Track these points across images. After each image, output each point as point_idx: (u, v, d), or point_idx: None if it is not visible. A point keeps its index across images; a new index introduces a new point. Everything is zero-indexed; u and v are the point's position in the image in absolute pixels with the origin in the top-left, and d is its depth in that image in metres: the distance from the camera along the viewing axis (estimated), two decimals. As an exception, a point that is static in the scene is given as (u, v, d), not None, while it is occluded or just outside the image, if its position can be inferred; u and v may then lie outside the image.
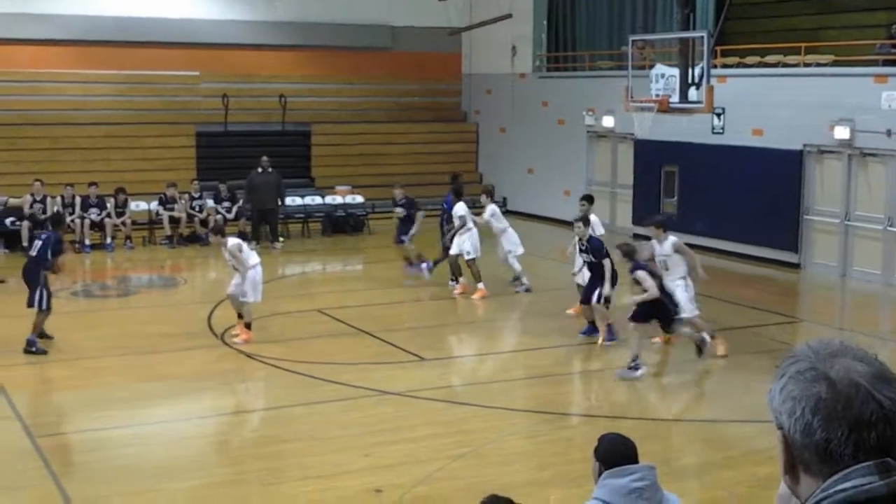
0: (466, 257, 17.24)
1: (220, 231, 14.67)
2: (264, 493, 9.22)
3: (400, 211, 19.65)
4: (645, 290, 12.63)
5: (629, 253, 13.08)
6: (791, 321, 16.18)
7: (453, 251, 17.43)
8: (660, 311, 12.75)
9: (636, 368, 12.51)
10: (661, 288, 12.75)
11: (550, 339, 14.98)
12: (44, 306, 13.83)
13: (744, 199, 20.36)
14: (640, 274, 12.70)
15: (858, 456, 1.82)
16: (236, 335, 14.29)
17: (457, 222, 17.41)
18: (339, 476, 9.50)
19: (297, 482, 9.40)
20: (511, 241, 17.54)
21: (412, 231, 19.23)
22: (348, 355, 13.73)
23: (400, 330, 15.04)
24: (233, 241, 14.21)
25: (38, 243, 14.22)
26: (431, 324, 15.66)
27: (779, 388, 1.91)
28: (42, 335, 13.93)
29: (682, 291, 13.33)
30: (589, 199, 16.37)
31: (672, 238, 13.68)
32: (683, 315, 13.20)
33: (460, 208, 17.55)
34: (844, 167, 19.05)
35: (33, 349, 13.63)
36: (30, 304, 13.79)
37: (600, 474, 5.38)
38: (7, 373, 12.86)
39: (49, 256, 13.89)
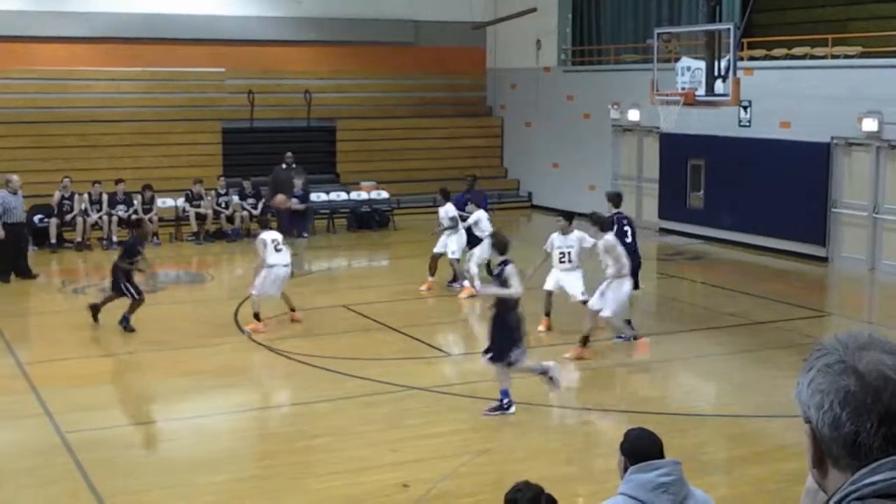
0: (451, 256, 17.25)
1: (260, 223, 16.49)
2: (293, 488, 9.26)
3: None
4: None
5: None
6: (819, 315, 16.08)
7: (437, 249, 17.42)
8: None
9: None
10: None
11: (571, 335, 14.94)
12: (135, 296, 14.79)
13: (771, 193, 20.24)
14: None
15: (888, 449, 1.81)
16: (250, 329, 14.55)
17: (446, 222, 17.32)
18: (366, 471, 9.52)
19: (325, 477, 9.43)
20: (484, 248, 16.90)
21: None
22: (374, 351, 13.76)
23: (425, 325, 15.06)
24: (261, 236, 14.60)
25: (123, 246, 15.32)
26: (457, 319, 15.67)
27: (807, 382, 1.90)
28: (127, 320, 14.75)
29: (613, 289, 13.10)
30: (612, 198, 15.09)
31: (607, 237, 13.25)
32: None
33: (450, 209, 17.40)
34: (873, 159, 18.90)
35: (123, 324, 14.69)
36: (119, 294, 14.96)
37: (626, 469, 5.36)
38: (36, 370, 12.98)
39: (128, 257, 14.97)
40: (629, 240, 14.10)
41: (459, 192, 19.15)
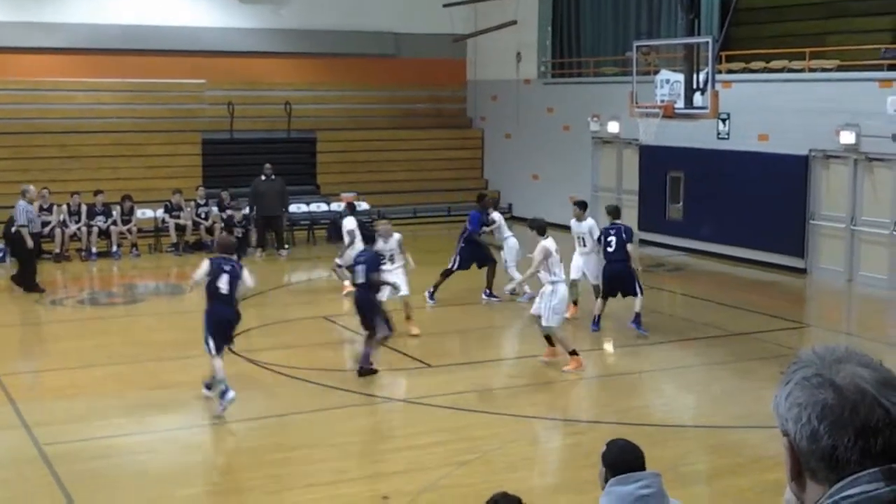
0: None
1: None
2: (271, 500, 9.22)
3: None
4: None
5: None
6: (797, 327, 16.16)
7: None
8: None
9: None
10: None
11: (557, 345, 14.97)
12: None
13: (749, 205, 20.34)
14: None
15: (865, 462, 1.81)
16: None
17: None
18: (345, 483, 9.49)
19: (303, 489, 9.40)
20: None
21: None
22: (354, 363, 13.72)
23: (406, 337, 15.03)
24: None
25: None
26: (437, 331, 15.65)
27: (784, 395, 1.91)
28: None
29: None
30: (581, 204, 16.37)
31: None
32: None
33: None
34: (850, 172, 19.03)
35: None
36: None
37: (607, 481, 5.37)
38: (13, 381, 12.89)
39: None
40: (611, 249, 14.86)
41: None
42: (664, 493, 5.28)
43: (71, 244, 21.95)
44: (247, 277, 11.86)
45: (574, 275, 15.63)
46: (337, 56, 27.80)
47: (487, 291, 17.52)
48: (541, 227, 13.50)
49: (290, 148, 26.88)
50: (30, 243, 18.52)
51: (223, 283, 11.66)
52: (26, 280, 18.41)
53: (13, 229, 18.88)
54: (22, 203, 18.86)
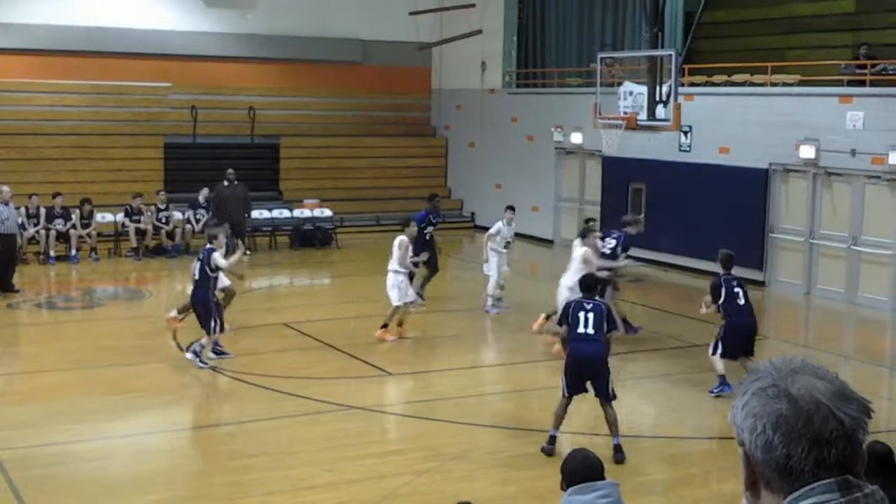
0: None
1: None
2: (228, 508, 9.15)
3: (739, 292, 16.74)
4: None
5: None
6: (756, 338, 16.26)
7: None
8: None
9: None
10: None
11: (516, 355, 15.02)
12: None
13: (710, 217, 20.51)
14: None
15: (818, 473, 1.83)
16: None
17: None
18: (303, 491, 9.45)
19: (262, 497, 9.34)
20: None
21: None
22: (314, 370, 13.68)
23: (367, 344, 15.00)
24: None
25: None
26: (398, 338, 15.61)
27: (741, 405, 1.92)
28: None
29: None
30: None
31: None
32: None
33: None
34: (809, 186, 19.25)
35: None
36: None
37: (566, 490, 5.39)
38: (-32, 385, 12.71)
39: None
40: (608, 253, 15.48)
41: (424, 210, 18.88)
42: (622, 503, 5.31)
43: (29, 247, 21.69)
44: (215, 258, 13.39)
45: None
46: (302, 62, 27.75)
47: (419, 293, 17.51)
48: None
49: (253, 153, 26.79)
50: None
51: (194, 269, 13.72)
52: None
53: None
54: None
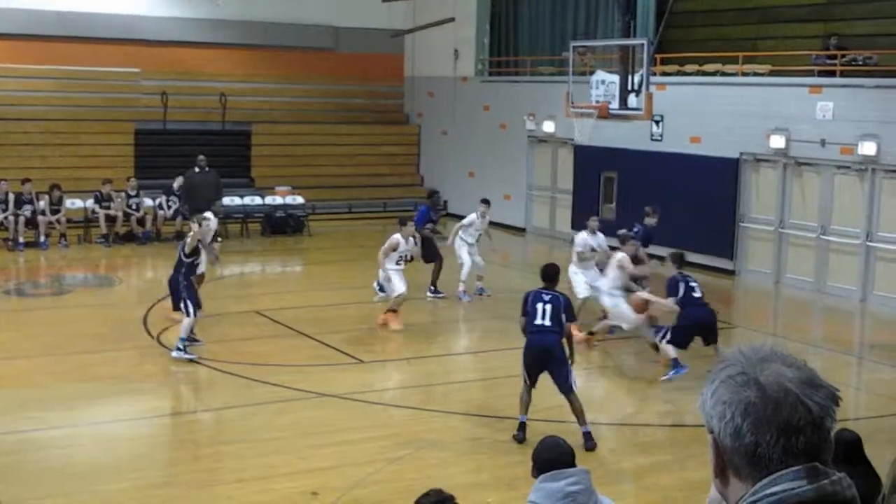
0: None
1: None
2: (199, 496, 9.14)
3: (696, 286, 16.12)
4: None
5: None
6: (725, 327, 16.35)
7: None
8: None
9: None
10: None
11: (488, 342, 15.05)
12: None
13: (681, 206, 20.57)
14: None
15: (787, 460, 1.85)
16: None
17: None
18: (274, 478, 9.44)
19: (233, 484, 9.32)
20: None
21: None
22: (286, 357, 13.66)
23: (339, 332, 14.99)
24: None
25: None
26: (370, 326, 15.62)
27: (710, 393, 1.94)
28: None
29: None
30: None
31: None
32: None
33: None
34: (779, 176, 19.38)
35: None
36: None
37: (537, 477, 5.42)
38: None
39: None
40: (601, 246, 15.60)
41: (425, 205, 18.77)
42: (593, 490, 5.34)
43: (-3, 233, 21.50)
44: (185, 243, 13.83)
45: (584, 293, 15.12)
46: (274, 48, 27.61)
47: (432, 288, 17.50)
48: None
49: (224, 140, 26.65)
50: None
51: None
52: None
53: None
54: None
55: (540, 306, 10.49)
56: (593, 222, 15.80)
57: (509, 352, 14.15)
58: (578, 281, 15.27)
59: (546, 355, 10.44)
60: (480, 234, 17.75)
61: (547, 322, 10.42)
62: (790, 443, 1.85)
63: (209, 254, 14.69)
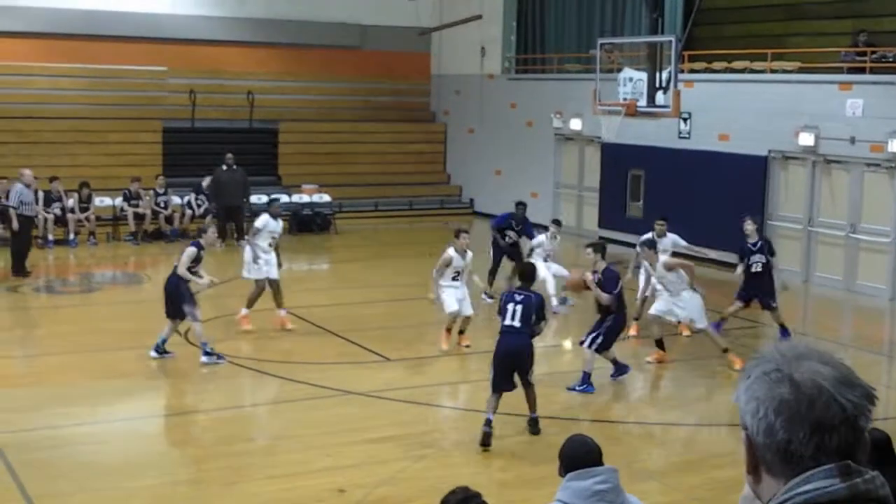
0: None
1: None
2: (226, 493, 9.17)
3: (759, 258, 15.02)
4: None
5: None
6: (753, 326, 16.29)
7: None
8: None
9: None
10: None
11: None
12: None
13: (709, 204, 20.49)
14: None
15: (819, 458, 1.83)
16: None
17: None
18: (301, 475, 9.46)
19: (260, 481, 9.35)
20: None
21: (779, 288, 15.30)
22: (313, 355, 13.69)
23: (366, 330, 15.01)
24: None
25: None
26: (397, 324, 15.63)
27: (744, 389, 1.93)
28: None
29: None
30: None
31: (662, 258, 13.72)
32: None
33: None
34: (808, 173, 19.24)
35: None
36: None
37: (564, 476, 5.39)
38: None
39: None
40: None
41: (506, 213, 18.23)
42: (620, 489, 5.31)
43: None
44: (183, 257, 13.25)
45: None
46: (301, 47, 27.68)
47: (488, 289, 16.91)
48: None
49: (251, 138, 26.75)
50: (15, 225, 18.64)
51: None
52: (14, 263, 18.54)
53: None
54: (18, 186, 19.06)
55: (511, 307, 10.46)
56: (553, 227, 15.96)
57: (539, 349, 14.09)
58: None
59: (514, 357, 10.41)
60: (548, 256, 16.74)
61: (516, 322, 10.39)
62: (823, 441, 1.83)
63: (200, 281, 13.47)
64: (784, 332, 14.70)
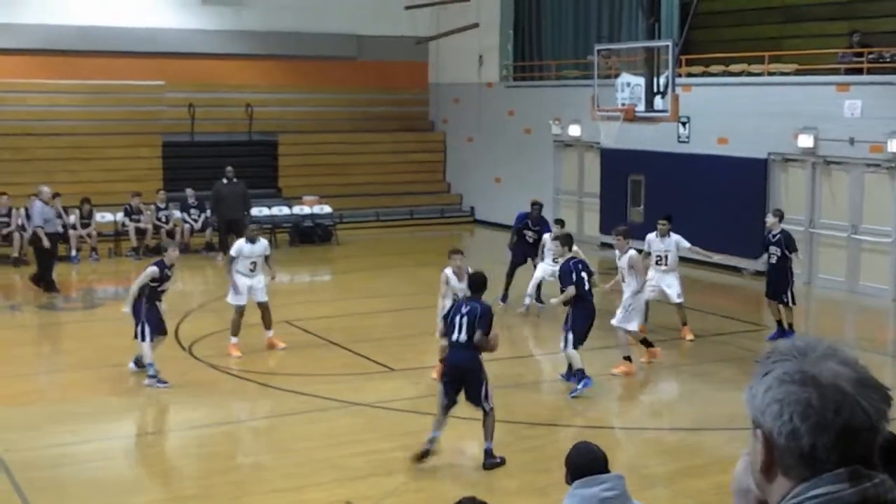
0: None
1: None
2: (232, 507, 9.15)
3: (774, 251, 15.12)
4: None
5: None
6: (757, 329, 16.28)
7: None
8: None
9: None
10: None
11: (517, 348, 15.02)
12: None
13: (709, 208, 20.49)
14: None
15: (842, 463, 1.82)
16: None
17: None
18: (307, 488, 9.45)
19: (265, 495, 9.34)
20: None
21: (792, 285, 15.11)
22: (317, 367, 13.68)
23: (369, 341, 15.00)
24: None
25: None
26: (401, 334, 15.63)
27: (763, 388, 1.88)
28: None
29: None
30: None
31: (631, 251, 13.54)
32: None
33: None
34: (808, 175, 19.24)
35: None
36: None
37: (571, 483, 5.39)
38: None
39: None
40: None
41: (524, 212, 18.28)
42: (627, 496, 5.31)
43: (28, 248, 21.61)
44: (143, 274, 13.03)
45: (651, 294, 14.93)
46: (298, 58, 27.71)
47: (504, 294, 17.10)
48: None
49: (251, 151, 26.77)
50: (46, 243, 18.89)
51: None
52: (44, 279, 18.69)
53: (31, 230, 19.54)
54: (38, 203, 19.28)
55: (458, 319, 9.95)
56: (663, 225, 15.31)
57: (538, 357, 14.14)
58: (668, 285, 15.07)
59: (459, 372, 9.92)
60: (557, 257, 16.26)
61: (462, 337, 9.89)
62: (847, 446, 1.82)
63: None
64: (782, 331, 14.67)
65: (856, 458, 1.82)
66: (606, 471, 5.47)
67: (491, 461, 9.90)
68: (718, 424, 11.34)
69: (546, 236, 16.97)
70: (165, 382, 12.67)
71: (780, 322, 14.86)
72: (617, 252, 13.64)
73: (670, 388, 13.34)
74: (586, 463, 5.49)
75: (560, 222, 17.37)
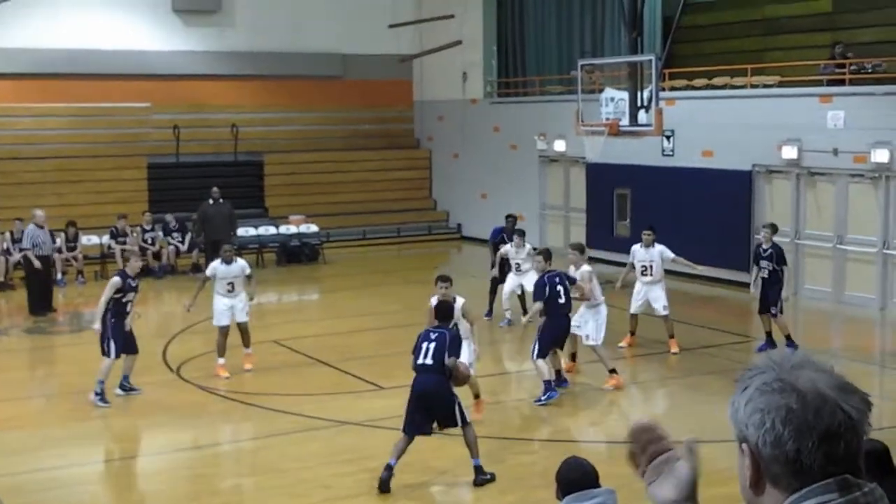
0: None
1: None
2: (224, 528, 9.11)
3: (766, 265, 15.11)
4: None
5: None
6: (745, 340, 16.32)
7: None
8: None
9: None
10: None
11: (506, 364, 15.01)
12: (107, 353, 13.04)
13: (695, 220, 20.56)
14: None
15: (828, 467, 1.84)
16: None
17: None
18: (299, 508, 9.41)
19: (257, 516, 9.30)
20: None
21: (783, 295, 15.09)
22: (306, 386, 13.65)
23: (358, 359, 14.98)
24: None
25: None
26: (389, 352, 15.58)
27: (744, 401, 1.91)
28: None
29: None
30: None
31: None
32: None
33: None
34: (793, 186, 19.33)
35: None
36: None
37: (562, 499, 5.39)
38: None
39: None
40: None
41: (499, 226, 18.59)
42: (619, 510, 5.31)
43: (15, 272, 21.54)
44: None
45: (634, 308, 15.20)
46: (283, 78, 27.73)
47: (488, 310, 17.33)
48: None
49: (237, 171, 26.76)
50: (37, 264, 18.96)
51: None
52: (34, 303, 18.76)
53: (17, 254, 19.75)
54: (31, 227, 19.41)
55: (425, 345, 9.99)
56: (647, 236, 15.36)
57: (526, 374, 14.11)
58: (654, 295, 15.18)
59: (429, 397, 9.90)
60: (518, 264, 16.90)
61: (429, 361, 9.90)
62: (831, 449, 1.84)
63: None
64: (771, 342, 14.73)
65: (840, 461, 1.84)
66: (597, 485, 5.47)
67: (481, 478, 9.87)
68: (709, 436, 11.33)
69: (506, 247, 16.99)
70: (107, 403, 12.66)
71: (769, 334, 14.91)
72: (571, 267, 13.60)
73: (660, 401, 13.34)
74: (577, 478, 5.49)
75: (521, 233, 17.43)
